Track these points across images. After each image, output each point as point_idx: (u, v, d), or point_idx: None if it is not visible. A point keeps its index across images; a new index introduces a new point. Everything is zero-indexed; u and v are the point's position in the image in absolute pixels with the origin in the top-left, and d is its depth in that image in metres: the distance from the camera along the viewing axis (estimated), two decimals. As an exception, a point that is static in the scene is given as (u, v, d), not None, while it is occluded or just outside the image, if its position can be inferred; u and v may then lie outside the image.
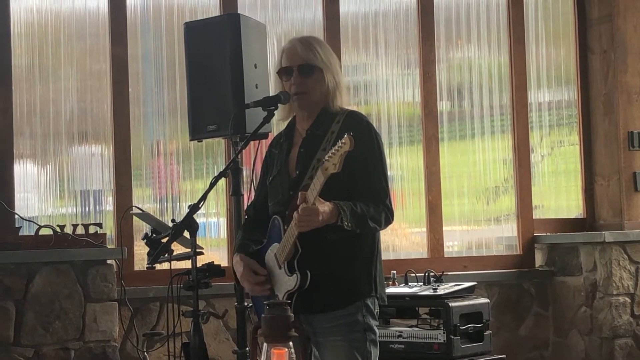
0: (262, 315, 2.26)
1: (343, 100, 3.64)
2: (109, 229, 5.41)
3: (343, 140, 3.17)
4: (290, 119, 3.73)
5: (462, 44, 6.40)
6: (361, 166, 3.34)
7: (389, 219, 3.53)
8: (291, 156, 3.64)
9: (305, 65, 3.56)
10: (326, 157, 3.21)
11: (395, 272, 5.49)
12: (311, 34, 5.87)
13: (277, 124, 4.62)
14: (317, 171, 3.39)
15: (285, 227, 3.46)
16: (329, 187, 3.27)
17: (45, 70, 5.43)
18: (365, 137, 3.51)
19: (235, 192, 4.51)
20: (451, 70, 6.36)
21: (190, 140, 4.87)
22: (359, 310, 3.51)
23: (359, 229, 3.40)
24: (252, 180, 4.01)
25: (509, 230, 6.40)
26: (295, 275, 3.43)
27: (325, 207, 3.31)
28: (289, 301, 3.39)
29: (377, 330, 3.57)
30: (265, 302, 2.29)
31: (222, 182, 5.19)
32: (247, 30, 4.64)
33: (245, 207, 4.17)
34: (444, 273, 5.45)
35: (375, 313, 3.57)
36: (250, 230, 3.71)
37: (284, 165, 3.64)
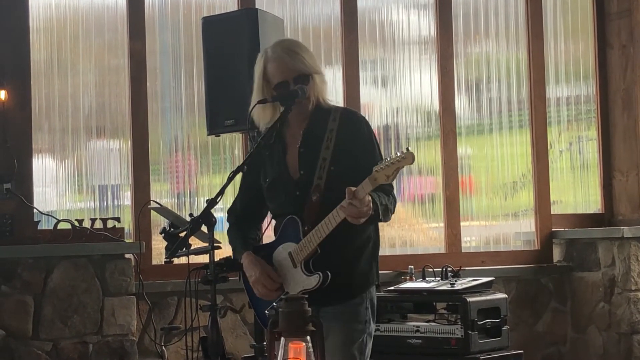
0: (280, 309, 2.26)
1: (327, 92, 3.67)
2: (127, 223, 5.43)
3: (404, 155, 3.20)
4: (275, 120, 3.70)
5: (480, 38, 6.38)
6: (367, 161, 3.38)
7: (394, 209, 3.59)
8: (289, 157, 3.64)
9: (301, 77, 3.58)
10: (376, 169, 3.24)
11: (412, 267, 5.49)
12: (328, 28, 5.90)
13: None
14: (324, 171, 3.46)
15: (306, 228, 3.48)
16: (341, 182, 3.32)
17: (64, 65, 5.45)
18: (364, 133, 3.60)
19: (252, 187, 4.50)
20: (469, 65, 6.34)
21: (208, 135, 4.89)
22: (364, 301, 3.57)
23: (381, 217, 3.46)
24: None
25: (527, 225, 6.39)
26: (317, 275, 3.46)
27: (368, 197, 3.35)
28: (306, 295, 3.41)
29: (374, 326, 3.62)
30: (282, 296, 2.29)
31: (240, 176, 5.20)
32: (264, 25, 4.64)
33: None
34: (462, 268, 5.45)
35: (375, 303, 3.62)
36: (244, 229, 3.74)
37: (283, 167, 3.64)
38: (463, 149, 6.24)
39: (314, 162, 3.54)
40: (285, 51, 3.62)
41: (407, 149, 3.22)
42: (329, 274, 3.45)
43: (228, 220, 3.86)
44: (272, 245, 3.63)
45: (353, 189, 3.28)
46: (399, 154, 3.20)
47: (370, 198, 3.33)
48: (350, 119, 3.62)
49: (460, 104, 6.25)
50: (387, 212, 3.48)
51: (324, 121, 3.59)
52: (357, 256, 3.58)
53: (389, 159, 3.22)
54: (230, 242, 3.81)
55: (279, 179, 3.64)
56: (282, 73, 3.59)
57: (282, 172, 3.63)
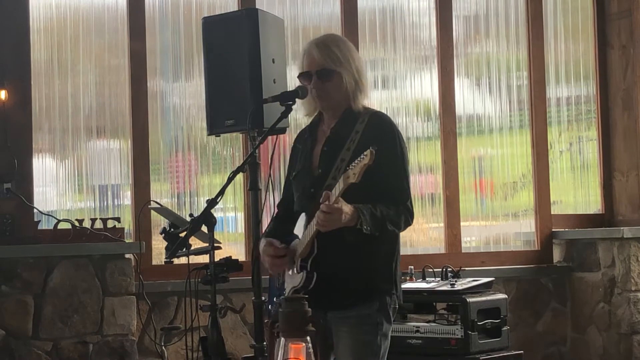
0: (279, 309, 2.26)
1: (365, 96, 3.65)
2: (127, 223, 5.43)
3: (365, 153, 3.18)
4: (315, 114, 3.73)
5: (481, 39, 6.38)
6: (384, 168, 3.34)
7: (408, 220, 3.54)
8: (314, 153, 3.65)
9: (323, 71, 3.57)
10: (349, 167, 3.23)
11: (412, 267, 5.48)
12: (329, 29, 5.89)
13: (295, 119, 4.62)
14: (340, 172, 3.42)
15: (308, 225, 3.48)
16: (353, 186, 3.27)
17: (64, 65, 5.45)
18: (388, 138, 3.54)
19: (252, 187, 4.51)
20: (469, 65, 6.34)
21: (208, 135, 4.89)
22: (373, 306, 3.53)
23: (377, 232, 3.41)
24: (270, 175, 4.02)
25: (527, 225, 6.39)
26: (302, 274, 3.45)
27: (347, 208, 3.32)
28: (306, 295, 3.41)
29: (389, 326, 3.57)
30: (283, 297, 2.29)
31: (240, 177, 5.20)
32: (265, 25, 4.64)
33: (263, 201, 4.19)
34: (462, 268, 5.44)
35: (390, 309, 3.57)
36: (281, 223, 3.73)
37: (307, 162, 3.65)
38: (479, 149, 6.25)
39: (333, 162, 3.53)
40: (317, 44, 3.63)
41: (370, 148, 3.18)
42: (315, 274, 3.43)
43: (275, 213, 3.88)
44: (289, 242, 3.63)
45: (329, 192, 3.28)
46: (362, 155, 3.19)
47: (348, 210, 3.30)
48: (377, 123, 3.58)
49: (461, 103, 6.25)
50: (382, 226, 3.41)
51: (352, 123, 3.57)
52: (364, 264, 3.52)
53: (357, 159, 3.22)
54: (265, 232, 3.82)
55: (301, 172, 3.66)
56: (309, 65, 3.61)
57: (306, 167, 3.65)
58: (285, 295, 3.46)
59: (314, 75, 3.58)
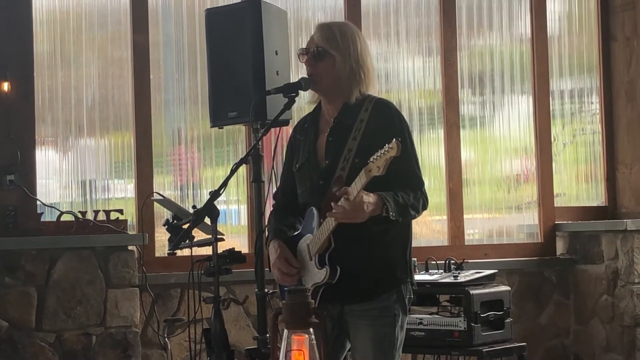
0: (283, 301, 2.26)
1: (367, 87, 3.60)
2: (130, 215, 5.43)
3: (390, 145, 3.16)
4: (317, 103, 3.72)
5: (484, 31, 6.36)
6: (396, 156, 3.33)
7: (425, 205, 3.53)
8: (319, 144, 3.62)
9: (317, 50, 3.56)
10: (371, 159, 3.20)
11: (415, 259, 5.46)
12: (332, 20, 5.87)
13: (298, 111, 4.62)
14: (348, 162, 3.40)
15: (321, 220, 3.46)
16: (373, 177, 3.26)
17: (67, 57, 5.46)
18: (396, 126, 3.52)
19: (256, 179, 4.51)
20: (472, 57, 6.33)
21: (211, 126, 4.89)
22: (391, 297, 3.52)
23: (401, 218, 3.40)
24: (273, 167, 4.01)
25: (530, 218, 6.38)
26: (325, 269, 3.43)
27: (370, 198, 3.30)
28: (317, 291, 3.41)
29: (405, 317, 3.57)
30: (285, 289, 2.29)
31: (243, 169, 5.20)
32: (268, 16, 4.64)
33: (266, 193, 4.18)
34: (465, 261, 5.44)
35: (407, 299, 3.56)
36: (282, 216, 3.71)
37: (312, 153, 3.62)
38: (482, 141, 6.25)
39: (339, 152, 3.50)
40: (322, 25, 3.65)
41: (394, 140, 3.18)
42: (338, 268, 3.41)
43: (272, 206, 3.85)
44: (297, 237, 3.61)
45: (348, 188, 3.26)
46: (387, 146, 3.18)
47: (372, 200, 3.29)
48: (382, 111, 3.55)
49: (465, 96, 6.24)
50: (405, 211, 3.40)
51: (356, 111, 3.55)
52: (383, 255, 3.51)
53: (380, 151, 3.20)
54: (267, 230, 3.79)
55: (306, 164, 3.62)
56: (308, 43, 3.63)
57: (310, 158, 3.61)
58: None
59: (309, 54, 3.58)
